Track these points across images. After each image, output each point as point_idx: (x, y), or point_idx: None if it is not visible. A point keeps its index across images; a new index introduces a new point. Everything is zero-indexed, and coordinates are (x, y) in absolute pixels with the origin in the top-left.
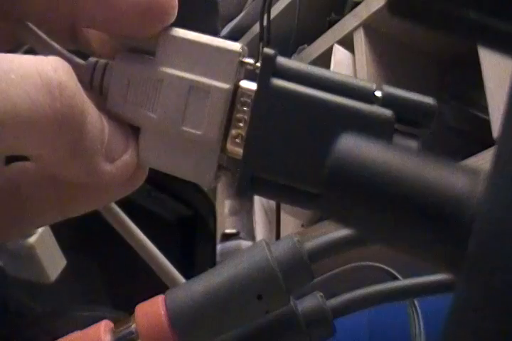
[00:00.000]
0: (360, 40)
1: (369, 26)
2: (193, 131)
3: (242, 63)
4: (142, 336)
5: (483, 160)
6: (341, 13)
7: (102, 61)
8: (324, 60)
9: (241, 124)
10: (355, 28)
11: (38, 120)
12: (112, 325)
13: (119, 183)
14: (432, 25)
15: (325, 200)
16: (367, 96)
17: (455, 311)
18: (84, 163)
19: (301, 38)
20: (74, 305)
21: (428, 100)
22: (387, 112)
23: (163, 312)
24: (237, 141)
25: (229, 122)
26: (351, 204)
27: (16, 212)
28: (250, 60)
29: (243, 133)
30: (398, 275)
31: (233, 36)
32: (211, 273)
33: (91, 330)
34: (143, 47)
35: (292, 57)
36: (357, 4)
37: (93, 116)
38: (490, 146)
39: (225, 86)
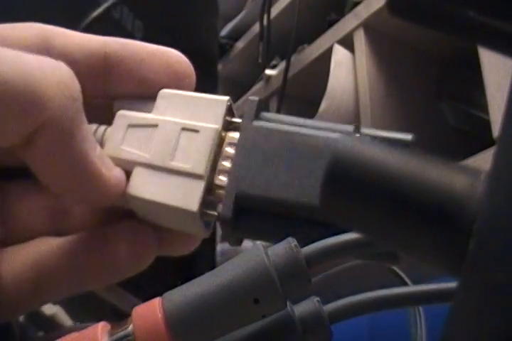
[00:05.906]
0: (360, 40)
1: (369, 26)
2: (181, 165)
3: (231, 111)
4: (139, 338)
5: (483, 160)
6: (341, 13)
7: (103, 126)
8: (324, 59)
9: (228, 161)
10: (355, 28)
11: (43, 80)
12: (109, 326)
13: (112, 199)
14: (432, 25)
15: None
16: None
17: (455, 311)
18: (78, 154)
19: (301, 37)
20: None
21: (405, 136)
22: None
23: (160, 315)
24: (224, 175)
25: (217, 160)
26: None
27: (34, 286)
28: (237, 120)
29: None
30: (406, 279)
31: (233, 36)
32: (208, 276)
33: (88, 332)
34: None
35: (292, 57)
36: (357, 4)
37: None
38: (490, 146)
39: (214, 126)
